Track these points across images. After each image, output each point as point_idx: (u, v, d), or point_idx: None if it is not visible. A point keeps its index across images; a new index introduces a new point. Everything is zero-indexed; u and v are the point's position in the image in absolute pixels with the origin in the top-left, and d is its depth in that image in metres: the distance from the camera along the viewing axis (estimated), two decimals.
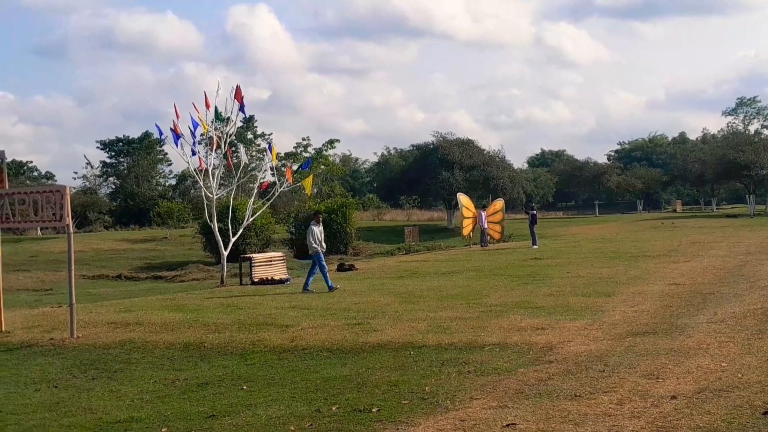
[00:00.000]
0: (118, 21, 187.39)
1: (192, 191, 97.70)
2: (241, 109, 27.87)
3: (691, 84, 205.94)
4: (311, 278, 21.47)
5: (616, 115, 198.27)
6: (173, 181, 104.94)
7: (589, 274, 21.99)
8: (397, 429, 7.62)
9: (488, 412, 7.92)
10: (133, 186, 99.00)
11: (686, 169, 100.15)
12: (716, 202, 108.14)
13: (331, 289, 20.93)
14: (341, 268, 30.89)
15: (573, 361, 10.28)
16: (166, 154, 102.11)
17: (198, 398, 10.17)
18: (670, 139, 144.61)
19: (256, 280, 25.88)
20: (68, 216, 15.96)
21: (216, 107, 27.33)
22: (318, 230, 21.77)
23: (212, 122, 27.43)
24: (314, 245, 21.43)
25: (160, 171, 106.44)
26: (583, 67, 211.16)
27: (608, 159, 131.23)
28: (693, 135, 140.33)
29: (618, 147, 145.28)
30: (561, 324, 13.48)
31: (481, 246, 41.04)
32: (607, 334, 12.31)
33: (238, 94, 27.55)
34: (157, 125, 28.84)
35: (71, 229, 16.56)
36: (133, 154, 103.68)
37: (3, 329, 16.85)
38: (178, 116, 27.08)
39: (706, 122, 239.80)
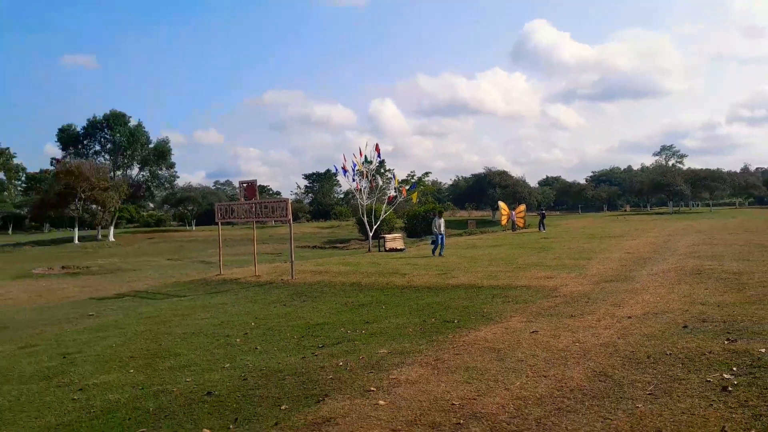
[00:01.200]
0: (312, 109, 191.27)
1: (351, 201, 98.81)
2: (378, 156, 28.13)
3: (634, 138, 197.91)
4: (442, 249, 20.50)
5: (590, 156, 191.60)
6: (341, 195, 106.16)
7: (576, 247, 21.16)
8: (470, 331, 7.52)
9: (521, 324, 7.76)
10: (320, 198, 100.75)
11: (632, 186, 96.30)
12: (650, 206, 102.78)
13: (433, 255, 20.26)
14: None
15: (569, 297, 9.93)
16: (338, 181, 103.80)
17: (359, 312, 10.28)
18: (622, 169, 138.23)
19: (387, 249, 26.01)
20: (289, 214, 16.39)
21: (366, 155, 27.69)
22: (438, 222, 20.72)
23: (363, 163, 27.68)
24: (434, 230, 20.76)
25: (335, 190, 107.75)
26: (571, 129, 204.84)
27: (585, 181, 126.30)
28: (635, 167, 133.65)
29: (591, 174, 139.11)
30: (561, 275, 12.99)
31: (512, 231, 40.02)
32: (589, 281, 11.81)
33: (377, 148, 27.91)
34: (335, 165, 29.57)
35: (291, 222, 16.99)
36: (321, 181, 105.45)
37: (257, 274, 17.45)
38: (345, 160, 27.56)
39: (643, 159, 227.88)
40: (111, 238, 53.80)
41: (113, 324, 10.93)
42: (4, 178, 72.97)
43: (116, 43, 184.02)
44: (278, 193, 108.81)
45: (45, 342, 9.54)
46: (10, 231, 69.55)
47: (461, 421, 4.27)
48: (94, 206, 55.85)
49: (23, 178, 77.69)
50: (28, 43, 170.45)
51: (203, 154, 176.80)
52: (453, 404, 4.64)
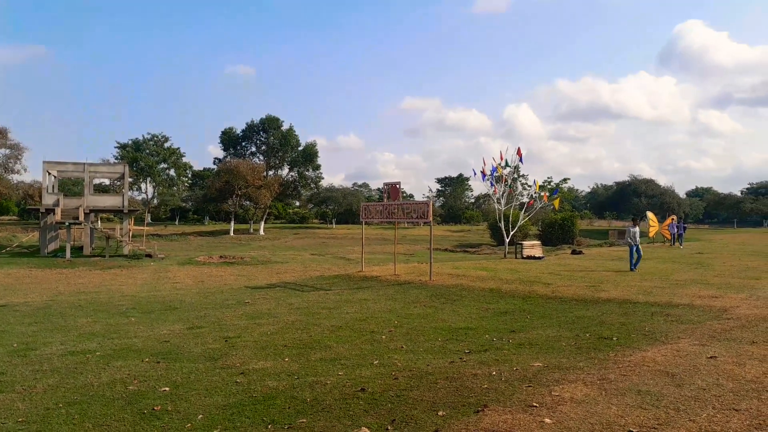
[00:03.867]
0: (447, 114, 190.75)
1: (483, 205, 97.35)
2: (521, 160, 27.20)
3: None
4: (638, 262, 17.55)
5: (746, 166, 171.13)
6: (472, 200, 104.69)
7: (739, 264, 18.80)
8: (633, 351, 6.78)
9: (694, 347, 6.84)
10: (451, 202, 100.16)
11: None
12: None
13: (632, 269, 17.19)
14: (574, 252, 28.99)
15: (744, 320, 8.67)
16: (469, 185, 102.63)
17: (502, 320, 9.86)
18: None
19: (524, 256, 24.99)
20: (430, 216, 16.25)
21: (506, 159, 26.93)
22: (633, 231, 17.97)
23: (503, 167, 26.91)
24: (628, 240, 17.87)
25: (466, 194, 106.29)
26: (725, 136, 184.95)
27: (741, 193, 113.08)
28: None
29: (748, 186, 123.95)
30: (728, 295, 11.51)
31: (671, 245, 35.19)
32: (765, 304, 10.30)
33: (518, 152, 27.00)
34: (473, 169, 28.87)
35: (431, 224, 16.81)
36: (453, 185, 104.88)
37: (396, 273, 17.54)
38: (484, 164, 26.96)
39: None
40: (261, 231, 57.63)
41: (267, 312, 11.45)
42: (174, 174, 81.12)
43: (271, 55, 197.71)
44: (411, 196, 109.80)
45: (209, 324, 10.20)
46: (177, 222, 77.30)
47: None
48: (247, 202, 60.32)
49: (189, 175, 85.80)
50: (195, 56, 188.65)
51: (343, 158, 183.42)
52: (630, 431, 4.10)
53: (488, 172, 26.75)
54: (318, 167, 67.79)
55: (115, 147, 74.56)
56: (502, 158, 26.73)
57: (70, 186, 61.48)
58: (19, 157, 56.45)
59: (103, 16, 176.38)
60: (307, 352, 7.60)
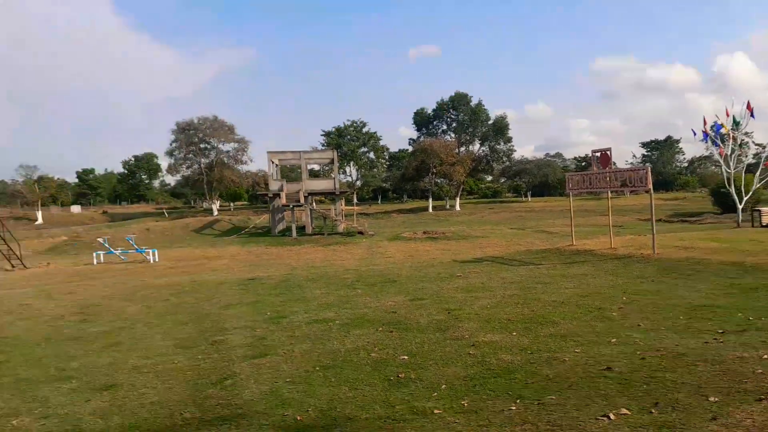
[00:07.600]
0: (646, 72, 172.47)
1: (698, 170, 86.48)
2: (752, 115, 23.29)
3: None
4: None
5: None
6: (685, 164, 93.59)
7: None
8: None
9: None
10: (660, 167, 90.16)
11: None
12: None
13: None
14: None
15: None
16: (680, 148, 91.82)
17: (754, 297, 8.55)
18: None
19: (764, 224, 21.40)
20: (649, 184, 14.70)
21: (733, 116, 23.36)
22: None
23: (731, 126, 23.36)
24: None
25: (677, 158, 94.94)
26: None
27: None
28: None
29: None
30: None
31: None
32: None
33: (749, 107, 23.18)
34: (693, 129, 25.23)
35: (651, 192, 15.22)
36: (660, 149, 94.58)
37: (612, 246, 16.34)
38: (705, 123, 23.75)
39: None
40: (457, 207, 58.31)
41: (481, 286, 11.44)
42: (374, 157, 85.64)
43: (454, 32, 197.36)
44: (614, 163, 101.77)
45: (429, 297, 10.51)
46: (379, 201, 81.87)
47: None
48: (440, 180, 61.36)
49: (386, 157, 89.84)
50: (380, 40, 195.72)
51: (532, 128, 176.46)
52: None
53: (710, 131, 23.49)
54: (509, 140, 66.16)
55: (321, 135, 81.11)
56: (727, 115, 23.22)
57: (286, 173, 68.67)
58: (246, 149, 64.23)
59: (296, 17, 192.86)
60: (534, 327, 7.39)
